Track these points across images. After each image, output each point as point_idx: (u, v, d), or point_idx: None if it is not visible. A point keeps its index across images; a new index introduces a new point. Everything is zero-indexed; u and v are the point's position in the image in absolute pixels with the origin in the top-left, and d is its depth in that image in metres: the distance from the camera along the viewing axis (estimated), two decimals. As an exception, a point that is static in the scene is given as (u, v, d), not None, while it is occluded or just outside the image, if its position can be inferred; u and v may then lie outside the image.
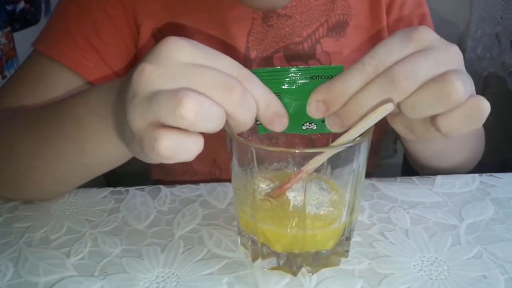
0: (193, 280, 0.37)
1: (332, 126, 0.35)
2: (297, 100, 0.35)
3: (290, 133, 0.36)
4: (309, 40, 0.57)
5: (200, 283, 0.37)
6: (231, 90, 0.30)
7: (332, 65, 0.35)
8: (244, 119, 0.31)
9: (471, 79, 0.35)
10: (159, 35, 0.56)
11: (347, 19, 0.58)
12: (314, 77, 0.34)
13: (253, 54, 0.56)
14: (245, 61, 0.56)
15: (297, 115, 0.35)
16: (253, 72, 0.33)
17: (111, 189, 0.50)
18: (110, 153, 0.42)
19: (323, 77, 0.34)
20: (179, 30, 0.55)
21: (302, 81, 0.34)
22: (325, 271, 0.37)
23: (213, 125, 0.30)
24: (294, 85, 0.34)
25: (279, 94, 0.34)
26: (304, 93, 0.34)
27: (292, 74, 0.34)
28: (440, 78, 0.32)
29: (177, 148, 0.29)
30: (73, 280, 0.38)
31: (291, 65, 0.57)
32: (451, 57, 0.34)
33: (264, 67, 0.56)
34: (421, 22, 0.61)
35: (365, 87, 0.33)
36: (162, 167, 0.65)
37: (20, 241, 0.42)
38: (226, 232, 0.43)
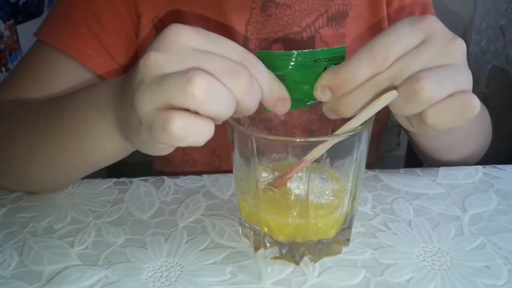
0: (197, 269, 0.37)
1: (328, 113, 0.35)
2: (302, 82, 0.35)
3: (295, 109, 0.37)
4: (308, 30, 0.57)
5: (203, 272, 0.37)
6: (239, 76, 0.30)
7: (335, 47, 0.35)
8: (249, 104, 0.32)
9: (469, 75, 0.35)
10: (160, 25, 0.56)
11: (346, 10, 0.57)
12: (318, 60, 0.34)
13: (251, 44, 0.56)
14: None
15: (301, 96, 0.35)
16: (259, 54, 0.34)
17: (115, 179, 0.51)
18: (107, 150, 0.42)
19: (326, 60, 0.34)
20: (180, 19, 0.55)
21: (306, 63, 0.34)
22: (327, 261, 0.37)
23: (223, 109, 0.30)
24: (299, 67, 0.35)
25: (283, 76, 0.34)
26: (308, 75, 0.34)
27: (296, 56, 0.34)
28: (411, 76, 0.32)
29: (189, 129, 0.29)
30: (77, 269, 0.38)
31: None
32: (452, 51, 0.34)
33: None
34: (424, 11, 0.60)
35: (364, 86, 0.33)
36: (163, 158, 0.65)
37: (25, 231, 0.43)
38: (229, 222, 0.43)
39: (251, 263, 0.38)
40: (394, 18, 0.59)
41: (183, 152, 0.62)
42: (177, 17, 0.56)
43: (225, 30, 0.56)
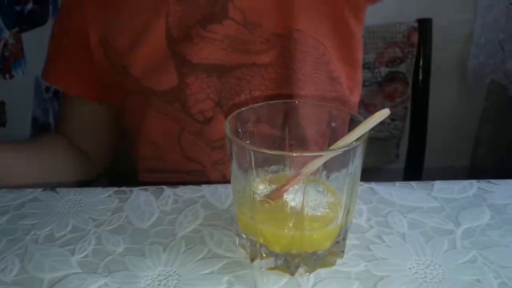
0: (194, 279, 0.38)
1: None
2: None
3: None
4: (220, 2, 0.58)
5: (200, 281, 0.38)
6: None
7: None
8: None
9: None
10: (104, 42, 0.61)
11: None
12: None
13: (174, 33, 0.59)
14: (169, 41, 0.59)
15: None
16: None
17: (116, 188, 0.51)
18: None
19: None
20: (108, 23, 0.61)
21: None
22: (322, 273, 0.38)
23: None
24: None
25: None
26: None
27: None
28: None
29: None
30: (78, 276, 0.39)
31: (206, 32, 0.58)
32: None
33: (184, 42, 0.59)
34: None
35: None
36: (148, 168, 0.68)
37: (26, 238, 0.44)
38: (227, 233, 0.44)
39: (247, 273, 0.38)
40: None
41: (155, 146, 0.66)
42: (107, 22, 0.61)
43: (146, 28, 0.60)
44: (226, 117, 0.44)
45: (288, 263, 0.37)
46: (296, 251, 0.37)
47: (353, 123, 0.37)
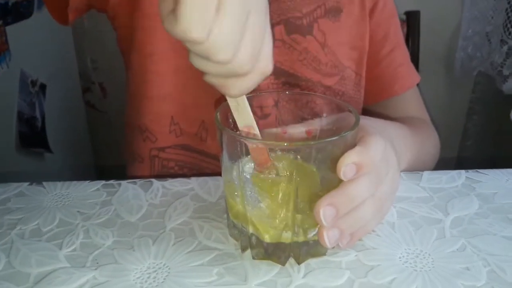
0: (184, 271, 0.38)
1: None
2: None
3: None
4: (308, 18, 0.62)
5: (190, 273, 0.37)
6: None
7: None
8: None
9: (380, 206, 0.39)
10: None
11: (340, 6, 0.64)
12: None
13: None
14: None
15: None
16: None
17: (104, 182, 0.51)
18: None
19: None
20: None
21: None
22: (312, 263, 0.38)
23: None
24: None
25: None
26: None
27: None
28: None
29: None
30: (65, 271, 0.38)
31: (290, 38, 0.62)
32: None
33: None
34: (396, 29, 0.70)
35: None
36: (135, 159, 0.66)
37: (12, 233, 0.43)
38: (217, 225, 0.43)
39: (237, 265, 0.38)
40: (374, 29, 0.68)
41: (171, 121, 0.63)
42: None
43: None
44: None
45: (278, 253, 0.37)
46: (286, 241, 0.37)
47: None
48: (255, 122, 0.36)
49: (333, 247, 0.40)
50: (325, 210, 0.35)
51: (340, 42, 0.65)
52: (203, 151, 0.63)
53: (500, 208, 0.46)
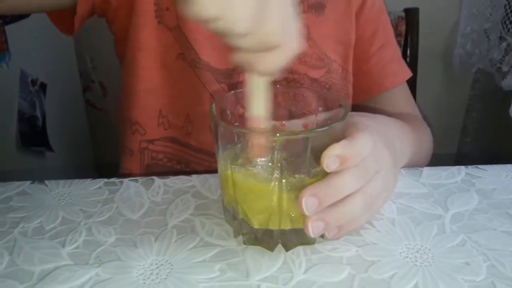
0: (186, 267, 0.38)
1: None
2: None
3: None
4: None
5: (193, 269, 0.38)
6: None
7: None
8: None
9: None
10: None
11: (323, 2, 0.65)
12: None
13: None
14: None
15: None
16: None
17: (105, 180, 0.51)
18: None
19: None
20: None
21: None
22: (314, 258, 0.39)
23: None
24: None
25: None
26: None
27: None
28: None
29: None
30: (68, 268, 0.38)
31: None
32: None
33: None
34: (385, 26, 0.70)
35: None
36: (130, 154, 0.67)
37: (15, 231, 0.43)
38: (218, 222, 0.44)
39: (239, 261, 0.39)
40: (363, 26, 0.69)
41: (160, 114, 0.64)
42: None
43: None
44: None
45: (268, 239, 0.38)
46: (274, 227, 0.38)
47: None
48: (267, 115, 0.37)
49: (332, 242, 0.40)
50: (307, 200, 0.35)
51: (325, 35, 0.65)
52: (189, 144, 0.64)
53: (499, 203, 0.46)
